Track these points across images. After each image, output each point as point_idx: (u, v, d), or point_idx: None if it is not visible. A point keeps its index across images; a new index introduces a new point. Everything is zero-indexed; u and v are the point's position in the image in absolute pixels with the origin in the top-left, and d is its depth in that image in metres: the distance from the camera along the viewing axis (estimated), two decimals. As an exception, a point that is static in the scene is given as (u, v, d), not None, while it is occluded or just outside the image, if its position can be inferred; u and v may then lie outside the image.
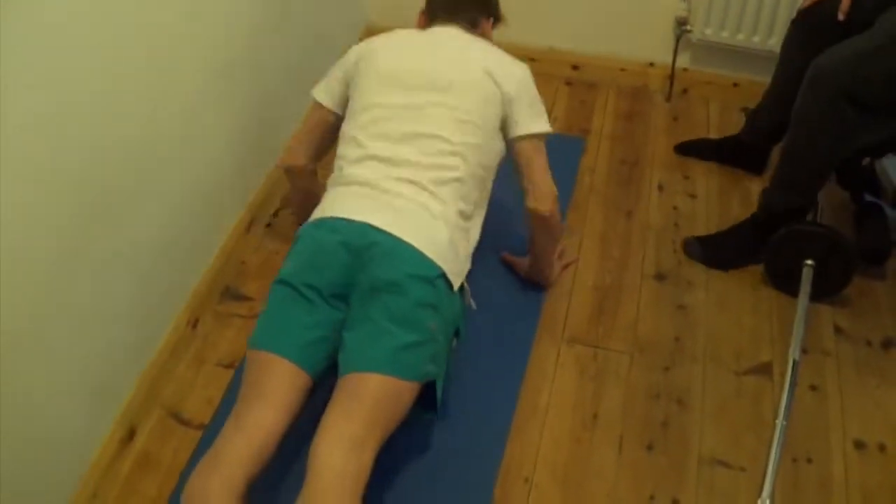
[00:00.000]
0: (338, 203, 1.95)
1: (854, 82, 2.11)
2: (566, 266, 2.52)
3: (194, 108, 2.19)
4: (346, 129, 2.10)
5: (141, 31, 1.89)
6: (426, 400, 1.86)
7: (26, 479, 1.74)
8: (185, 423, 2.12)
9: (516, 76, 2.15)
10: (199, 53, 2.17)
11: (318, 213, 1.98)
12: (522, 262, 2.45)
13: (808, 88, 2.21)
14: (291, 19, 2.72)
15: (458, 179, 1.98)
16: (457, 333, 1.97)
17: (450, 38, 2.20)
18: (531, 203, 2.14)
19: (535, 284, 2.44)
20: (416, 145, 1.98)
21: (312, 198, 2.24)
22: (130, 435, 2.06)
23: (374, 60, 2.13)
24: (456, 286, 1.92)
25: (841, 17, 2.37)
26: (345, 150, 2.06)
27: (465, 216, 2.01)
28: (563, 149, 2.98)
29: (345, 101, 2.20)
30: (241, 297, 2.44)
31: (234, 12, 2.33)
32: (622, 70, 3.32)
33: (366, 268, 1.83)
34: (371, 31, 3.42)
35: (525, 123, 2.13)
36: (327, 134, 2.29)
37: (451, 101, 2.04)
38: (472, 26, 2.27)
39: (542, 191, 2.14)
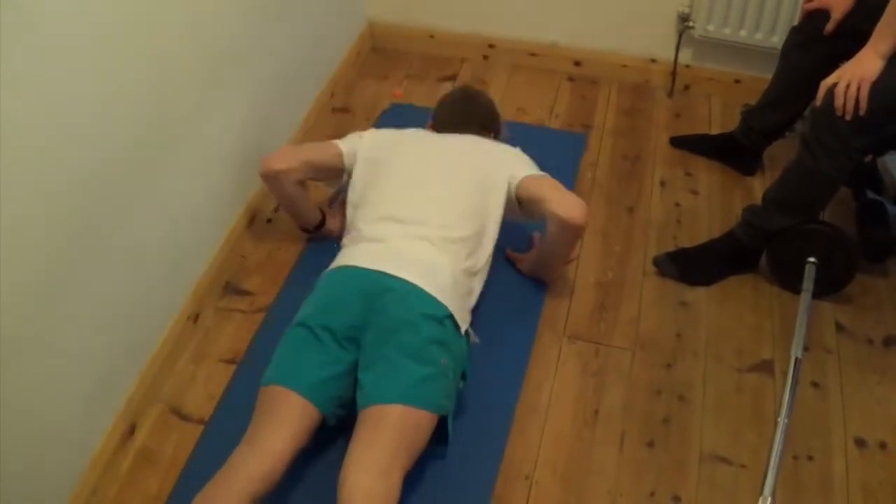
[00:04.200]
0: (356, 255, 2.08)
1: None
2: (567, 262, 2.51)
3: (195, 105, 2.19)
4: (358, 198, 2.25)
5: (141, 31, 1.89)
6: (435, 434, 1.91)
7: (26, 475, 1.74)
8: (186, 418, 2.12)
9: (509, 152, 2.34)
10: (199, 50, 2.17)
11: (337, 262, 2.10)
12: (525, 259, 2.45)
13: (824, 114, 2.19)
14: (291, 18, 2.71)
15: (463, 239, 2.12)
16: (463, 376, 2.04)
17: (460, 137, 2.38)
18: (567, 213, 2.16)
19: (536, 280, 2.44)
20: (428, 210, 2.14)
21: (298, 203, 2.42)
22: (131, 430, 2.06)
23: (389, 143, 2.33)
24: (462, 329, 2.02)
25: (829, 28, 2.41)
26: (357, 213, 2.22)
27: (470, 273, 2.14)
28: (565, 144, 2.99)
29: (350, 166, 2.33)
30: (242, 292, 2.44)
31: (234, 11, 2.33)
32: (624, 66, 3.31)
33: (380, 311, 1.94)
34: (371, 30, 3.45)
35: (523, 171, 2.26)
36: (322, 164, 2.36)
37: (457, 178, 2.23)
38: None
39: (574, 201, 2.18)
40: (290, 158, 2.34)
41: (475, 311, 2.17)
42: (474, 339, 2.12)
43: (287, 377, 1.89)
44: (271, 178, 2.34)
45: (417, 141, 2.36)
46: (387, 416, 1.81)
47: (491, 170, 2.25)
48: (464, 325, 2.03)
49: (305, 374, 1.89)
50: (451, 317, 1.97)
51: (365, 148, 2.33)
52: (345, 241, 2.22)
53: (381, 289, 1.96)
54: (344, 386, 1.93)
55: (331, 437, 1.98)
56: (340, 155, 2.34)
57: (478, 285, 2.18)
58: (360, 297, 1.96)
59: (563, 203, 2.16)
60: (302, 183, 2.39)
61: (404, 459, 1.79)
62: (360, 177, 2.28)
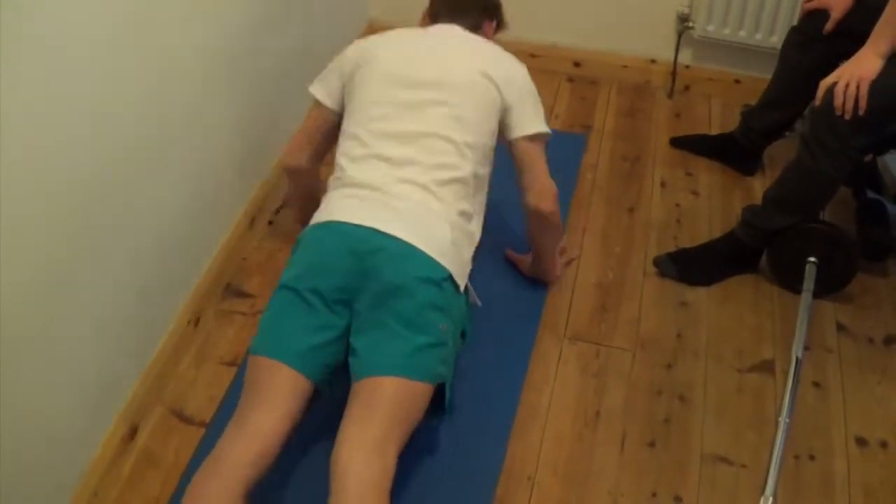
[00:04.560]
0: (342, 206, 1.94)
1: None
2: (568, 263, 2.52)
3: (195, 106, 2.19)
4: (347, 126, 2.09)
5: (141, 30, 1.89)
6: (434, 402, 1.86)
7: (28, 477, 1.74)
8: (187, 420, 2.12)
9: (516, 78, 2.15)
10: (199, 50, 2.17)
11: (321, 216, 1.96)
12: (525, 260, 2.45)
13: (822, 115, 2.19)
14: (292, 17, 2.71)
15: (459, 179, 1.98)
16: (463, 335, 1.97)
17: (451, 37, 2.20)
18: (532, 201, 2.14)
19: (537, 281, 2.44)
20: (419, 145, 1.97)
21: (314, 197, 2.25)
22: (132, 433, 2.06)
23: (374, 59, 2.12)
24: (461, 287, 1.92)
25: (828, 28, 2.42)
26: (346, 147, 2.04)
27: (467, 216, 2.01)
28: (565, 145, 2.99)
29: (342, 99, 2.19)
30: (242, 295, 2.44)
31: (234, 10, 2.33)
32: (624, 67, 3.32)
33: (372, 273, 1.82)
34: (373, 29, 3.44)
35: (526, 124, 2.14)
36: (328, 133, 2.27)
37: (451, 100, 2.03)
38: (475, 28, 2.27)
39: (543, 189, 2.14)
40: (303, 149, 2.28)
41: (476, 313, 2.16)
42: (475, 299, 2.05)
43: (276, 347, 1.80)
44: (294, 173, 2.32)
45: (406, 49, 2.15)
46: (381, 390, 1.73)
47: (494, 101, 2.08)
48: (462, 281, 1.93)
49: (295, 343, 1.80)
50: (449, 277, 1.86)
51: (346, 69, 2.16)
52: (331, 181, 2.05)
53: (372, 247, 1.83)
54: (336, 351, 1.85)
55: (324, 408, 1.92)
56: (329, 108, 2.21)
57: (477, 228, 2.07)
58: (350, 257, 1.84)
59: (530, 191, 2.13)
60: (319, 173, 2.34)
61: (399, 434, 1.72)
62: (347, 102, 2.12)
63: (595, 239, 2.62)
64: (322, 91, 2.24)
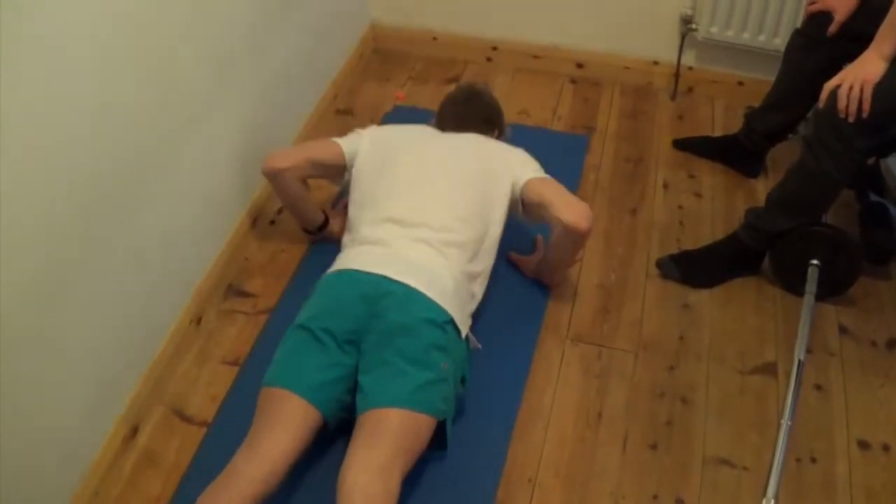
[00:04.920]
0: (356, 258, 2.08)
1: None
2: (571, 265, 2.51)
3: (197, 107, 2.19)
4: (361, 197, 2.23)
5: (142, 32, 1.89)
6: (434, 439, 1.92)
7: (29, 477, 1.74)
8: (189, 420, 2.12)
9: (520, 156, 2.32)
10: (201, 50, 2.17)
11: (337, 265, 2.09)
12: (528, 262, 2.45)
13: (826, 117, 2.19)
14: (293, 19, 2.71)
15: (461, 244, 2.10)
16: (463, 381, 2.04)
17: (464, 135, 2.36)
18: (572, 219, 2.16)
19: (539, 283, 2.44)
20: (429, 212, 2.12)
21: (301, 203, 2.42)
22: (133, 432, 2.06)
23: (391, 141, 2.32)
24: (463, 333, 2.02)
25: (832, 31, 2.42)
26: (359, 213, 2.20)
27: (471, 277, 2.13)
28: (568, 147, 2.98)
29: (351, 163, 2.32)
30: (244, 294, 2.44)
31: (236, 12, 2.33)
32: (627, 68, 3.31)
33: (380, 315, 1.93)
34: (375, 30, 3.44)
35: (527, 173, 2.25)
36: (322, 161, 2.36)
37: (460, 179, 2.21)
38: None
39: (579, 207, 2.18)
40: (291, 157, 2.34)
41: (478, 314, 2.17)
42: (476, 344, 2.12)
43: (288, 379, 1.89)
44: (274, 177, 2.35)
45: (420, 139, 2.35)
46: (386, 420, 1.81)
47: (495, 171, 2.25)
48: (464, 329, 2.03)
49: (307, 377, 1.89)
50: (451, 321, 1.97)
51: (366, 146, 2.32)
52: (345, 240, 2.21)
53: (381, 293, 1.96)
54: (344, 389, 1.93)
55: (331, 439, 1.98)
56: (342, 154, 2.33)
57: (479, 289, 2.18)
58: (361, 301, 1.96)
59: (567, 209, 2.16)
60: (304, 182, 2.39)
61: (403, 462, 1.79)
62: (361, 176, 2.27)
63: (598, 240, 2.62)
64: (345, 143, 2.35)
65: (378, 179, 2.22)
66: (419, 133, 2.38)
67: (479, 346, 2.14)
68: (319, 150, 2.37)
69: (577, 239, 2.21)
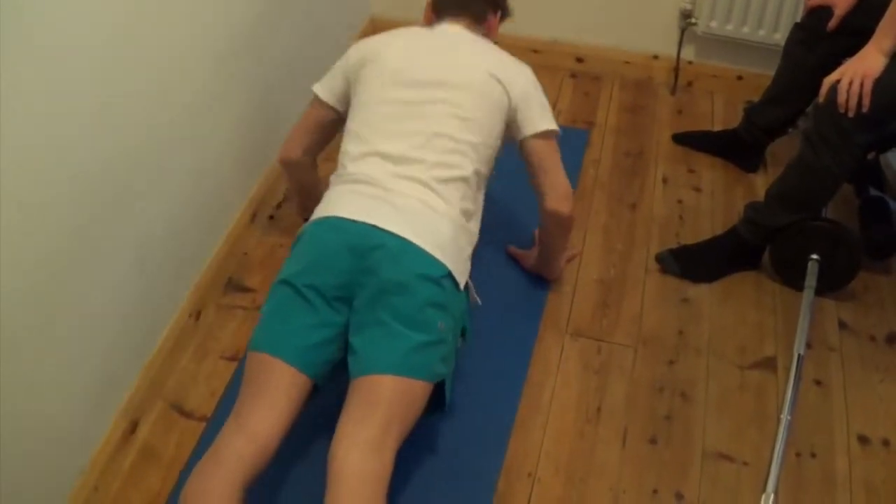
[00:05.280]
0: (342, 202, 1.93)
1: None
2: (570, 259, 2.51)
3: (196, 101, 2.18)
4: (350, 125, 2.08)
5: (143, 27, 1.88)
6: (433, 399, 1.85)
7: (28, 472, 1.74)
8: (188, 415, 2.12)
9: (521, 78, 2.14)
10: (201, 45, 2.16)
11: (321, 212, 1.95)
12: (527, 256, 2.45)
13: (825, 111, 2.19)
14: (293, 12, 2.71)
15: (461, 178, 1.97)
16: (463, 333, 1.96)
17: (456, 38, 2.18)
18: (551, 204, 2.13)
19: (538, 277, 2.44)
20: (421, 143, 1.96)
21: (312, 191, 2.28)
22: (133, 427, 2.06)
23: (379, 58, 2.11)
24: (461, 285, 1.91)
25: (832, 25, 2.42)
26: (348, 146, 2.04)
27: (468, 215, 2.00)
28: (568, 141, 2.95)
29: (346, 99, 2.18)
30: (244, 289, 2.44)
31: (236, 6, 2.32)
32: (626, 63, 3.31)
33: (371, 270, 1.81)
34: (375, 25, 3.44)
35: (534, 122, 2.12)
36: (326, 129, 2.29)
37: (456, 99, 2.02)
38: (480, 21, 2.25)
39: (562, 192, 2.13)
40: (297, 138, 2.30)
41: (477, 308, 2.15)
42: (475, 298, 2.04)
43: (275, 344, 1.80)
44: (291, 166, 2.33)
45: (411, 49, 2.13)
46: (379, 388, 1.73)
47: (496, 96, 2.07)
48: (462, 279, 1.91)
49: (294, 340, 1.80)
50: (449, 275, 1.85)
51: (349, 69, 2.15)
52: (332, 177, 2.05)
53: (371, 244, 1.82)
54: (335, 349, 1.84)
55: (322, 403, 1.91)
56: (323, 102, 2.22)
57: (476, 227, 2.05)
58: (349, 254, 1.83)
59: (549, 194, 2.12)
60: (315, 167, 2.35)
61: (397, 432, 1.72)
62: (352, 108, 2.11)
63: (597, 235, 2.62)
64: (323, 89, 2.24)
65: (364, 104, 2.05)
66: (409, 42, 2.16)
67: (479, 300, 2.05)
68: (308, 114, 2.29)
69: (560, 225, 2.17)
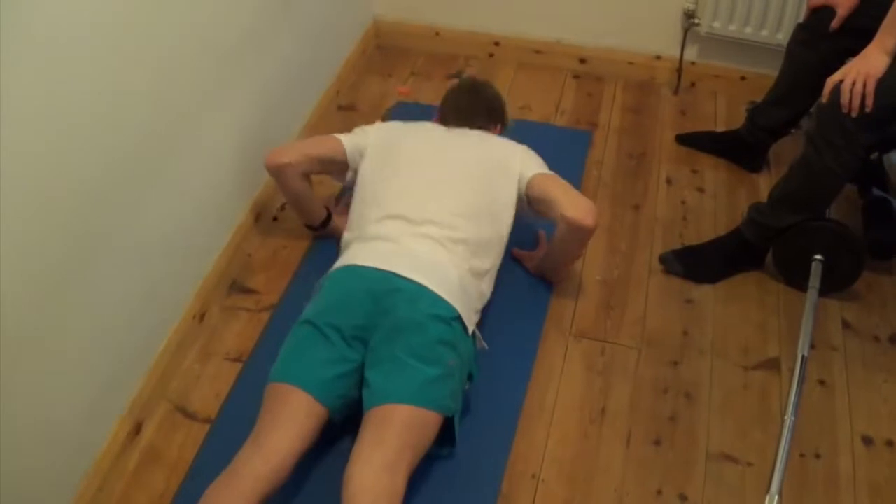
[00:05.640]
0: (363, 254, 2.08)
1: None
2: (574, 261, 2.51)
3: (199, 103, 2.19)
4: (365, 194, 2.23)
5: (143, 30, 1.88)
6: (442, 435, 1.92)
7: (32, 473, 1.74)
8: (192, 416, 2.12)
9: (520, 151, 2.31)
10: (203, 46, 2.17)
11: (343, 262, 2.09)
12: (532, 257, 2.45)
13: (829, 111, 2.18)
14: (296, 15, 2.71)
15: (467, 241, 2.10)
16: (470, 377, 2.04)
17: (468, 132, 2.36)
18: (578, 216, 2.16)
19: (543, 279, 2.44)
20: (435, 209, 2.12)
21: (304, 199, 2.41)
22: (137, 429, 2.06)
23: (399, 142, 2.30)
24: (469, 330, 2.02)
25: (834, 25, 2.42)
26: (364, 210, 2.19)
27: (477, 274, 2.12)
28: (571, 142, 2.98)
29: (355, 161, 2.32)
30: (247, 291, 2.44)
31: (238, 8, 2.32)
32: (630, 63, 3.31)
33: (388, 311, 1.94)
34: (377, 25, 3.44)
35: (534, 168, 2.26)
36: (324, 157, 2.35)
37: (465, 177, 2.21)
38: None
39: (584, 205, 2.18)
40: (293, 152, 2.34)
41: (482, 310, 2.16)
42: (482, 343, 2.12)
43: (294, 374, 1.89)
44: (277, 172, 2.35)
45: (425, 135, 2.35)
46: (393, 416, 1.81)
47: (500, 167, 2.24)
48: (471, 325, 2.03)
49: (312, 372, 1.89)
50: (458, 318, 1.97)
51: (371, 143, 2.31)
52: (347, 236, 2.20)
53: (389, 289, 1.96)
54: (350, 384, 1.93)
55: (337, 435, 1.98)
56: (343, 150, 2.32)
57: (487, 287, 2.17)
58: (368, 297, 1.96)
59: (572, 205, 2.17)
60: (307, 177, 2.38)
61: (409, 458, 1.79)
62: (367, 174, 2.26)
63: (601, 236, 2.62)
64: (347, 139, 2.35)
65: (384, 178, 2.22)
66: (424, 130, 2.37)
67: (485, 345, 2.13)
68: (321, 146, 2.37)
69: (582, 236, 2.21)
